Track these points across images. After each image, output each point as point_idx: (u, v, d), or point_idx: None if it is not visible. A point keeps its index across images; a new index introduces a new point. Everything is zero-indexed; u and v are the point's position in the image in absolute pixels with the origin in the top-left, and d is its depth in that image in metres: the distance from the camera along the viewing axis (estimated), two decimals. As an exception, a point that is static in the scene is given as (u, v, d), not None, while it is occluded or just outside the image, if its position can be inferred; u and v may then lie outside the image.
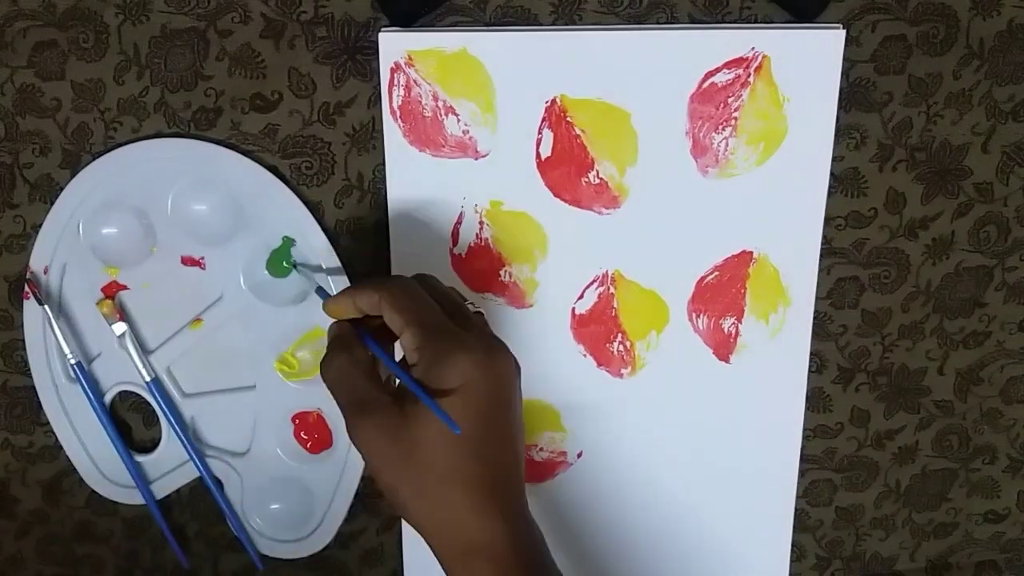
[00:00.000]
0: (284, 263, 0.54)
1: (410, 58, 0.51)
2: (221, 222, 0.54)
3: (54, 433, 0.58)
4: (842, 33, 0.51)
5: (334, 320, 0.47)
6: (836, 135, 0.53)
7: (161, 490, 0.59)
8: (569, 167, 0.53)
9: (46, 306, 0.55)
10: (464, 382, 0.41)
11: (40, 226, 0.54)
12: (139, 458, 0.59)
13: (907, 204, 0.55)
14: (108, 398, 0.57)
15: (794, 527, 0.61)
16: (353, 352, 0.44)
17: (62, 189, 0.54)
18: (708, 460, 0.59)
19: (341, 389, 0.44)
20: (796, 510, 0.61)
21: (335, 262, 0.54)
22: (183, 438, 0.57)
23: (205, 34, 0.51)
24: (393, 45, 0.51)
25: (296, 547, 0.60)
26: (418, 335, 0.42)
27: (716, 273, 0.55)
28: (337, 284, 0.54)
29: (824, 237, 0.55)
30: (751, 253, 0.55)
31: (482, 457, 0.41)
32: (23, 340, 0.56)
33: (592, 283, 0.55)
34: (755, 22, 0.52)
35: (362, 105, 0.52)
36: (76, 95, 0.52)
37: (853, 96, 0.53)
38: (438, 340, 0.42)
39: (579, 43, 0.51)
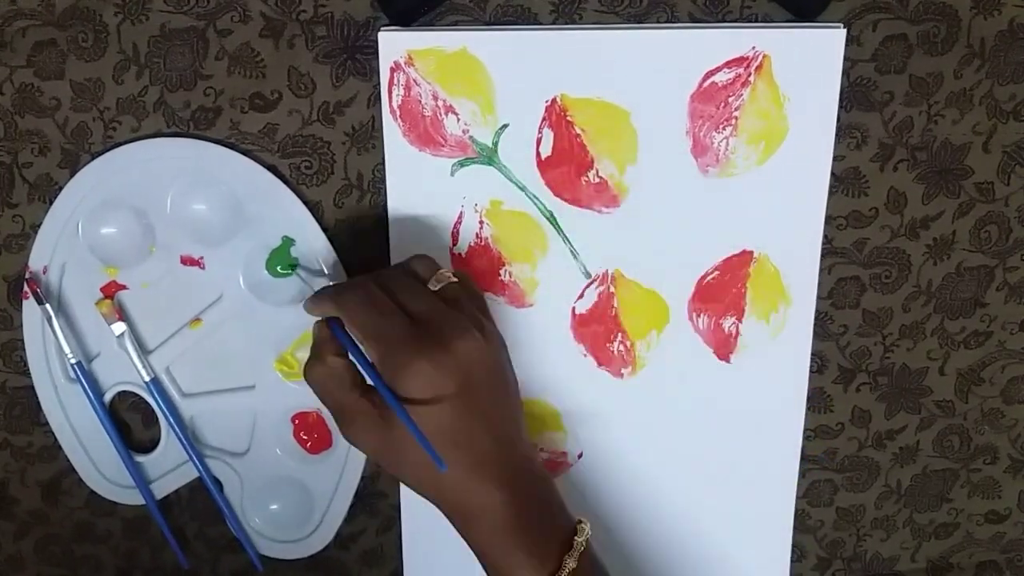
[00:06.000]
0: (279, 268, 0.53)
1: (410, 57, 0.51)
2: (220, 222, 0.54)
3: (53, 433, 0.58)
4: (843, 32, 0.51)
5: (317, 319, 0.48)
6: (837, 134, 0.53)
7: (160, 490, 0.59)
8: (569, 166, 0.53)
9: (45, 305, 0.55)
10: (431, 387, 0.43)
11: (39, 226, 0.54)
12: (138, 458, 0.59)
13: (908, 204, 0.55)
14: (107, 398, 0.57)
15: (794, 527, 0.61)
16: (327, 360, 0.47)
17: (61, 189, 0.54)
18: (708, 460, 0.59)
19: (324, 397, 0.47)
20: (796, 510, 0.61)
21: (334, 262, 0.54)
22: (182, 438, 0.57)
23: (204, 33, 0.51)
24: (393, 44, 0.51)
25: (296, 547, 0.60)
26: (376, 349, 0.44)
27: (716, 272, 0.55)
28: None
29: (825, 237, 0.55)
30: (751, 253, 0.55)
31: (464, 444, 0.44)
32: (22, 340, 0.56)
33: (592, 283, 0.55)
34: (756, 21, 0.52)
35: (362, 104, 0.52)
36: (75, 94, 0.52)
37: (854, 95, 0.53)
38: (397, 353, 0.43)
39: (579, 42, 0.51)
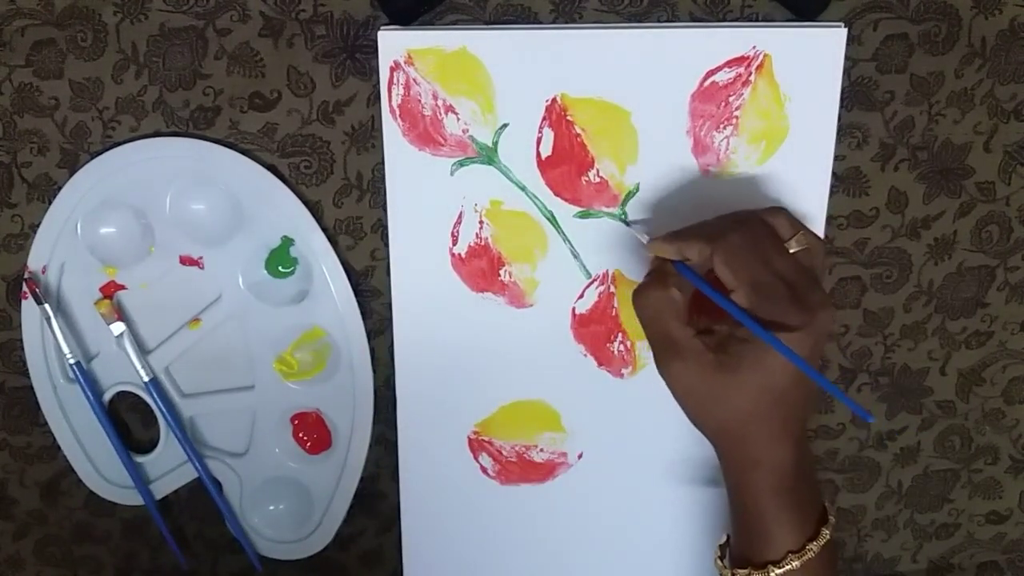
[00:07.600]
0: (280, 267, 0.53)
1: (409, 57, 0.51)
2: (220, 222, 0.54)
3: (52, 433, 0.58)
4: (844, 32, 0.51)
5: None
6: (838, 134, 0.53)
7: (160, 491, 0.59)
8: (569, 166, 0.53)
9: (44, 306, 0.54)
10: (797, 346, 0.43)
11: (38, 225, 0.54)
12: (138, 458, 0.59)
13: (909, 204, 0.55)
14: (106, 398, 0.57)
15: (795, 528, 0.61)
16: (670, 291, 0.46)
17: (60, 188, 0.53)
18: (709, 460, 0.58)
19: (653, 325, 0.46)
20: (797, 511, 0.60)
21: (336, 261, 0.54)
22: (182, 438, 0.57)
23: (204, 33, 0.51)
24: (392, 43, 0.50)
25: (295, 548, 0.60)
26: (750, 296, 0.44)
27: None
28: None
29: (826, 237, 0.55)
30: (752, 253, 0.55)
31: (786, 404, 0.45)
32: (21, 340, 0.56)
33: (592, 283, 0.55)
34: (756, 21, 0.51)
35: (361, 104, 0.52)
36: (74, 94, 0.52)
37: (855, 95, 0.53)
38: (770, 305, 0.44)
39: (579, 42, 0.51)
